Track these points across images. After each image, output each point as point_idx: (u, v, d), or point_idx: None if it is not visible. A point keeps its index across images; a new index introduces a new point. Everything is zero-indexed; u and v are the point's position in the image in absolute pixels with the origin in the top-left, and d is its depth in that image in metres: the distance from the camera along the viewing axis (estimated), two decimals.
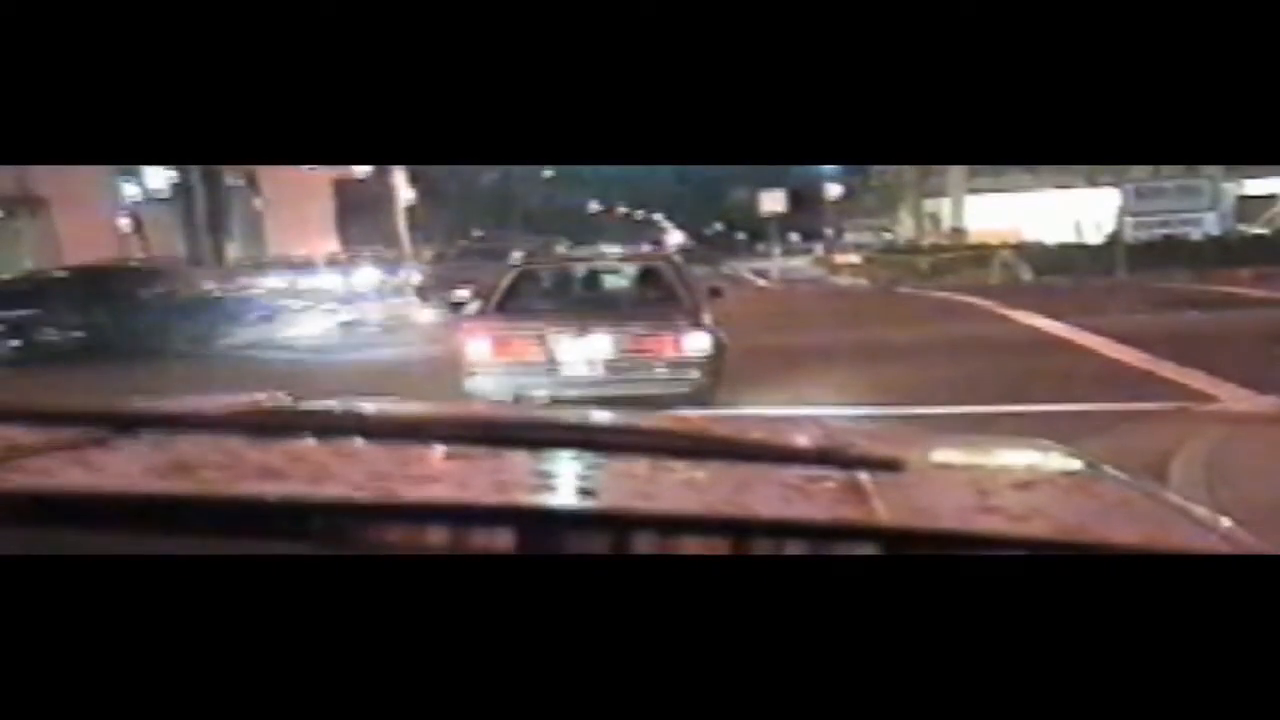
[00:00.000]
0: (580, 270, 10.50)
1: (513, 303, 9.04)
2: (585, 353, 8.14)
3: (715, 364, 8.36)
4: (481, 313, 9.07)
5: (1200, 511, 1.32)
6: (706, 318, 8.70)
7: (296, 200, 36.54)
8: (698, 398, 8.00)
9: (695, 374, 8.13)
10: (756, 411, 7.34)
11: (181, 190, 30.29)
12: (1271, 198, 29.23)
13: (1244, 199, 29.98)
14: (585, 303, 9.25)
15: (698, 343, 8.21)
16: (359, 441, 1.33)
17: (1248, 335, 11.45)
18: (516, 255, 14.04)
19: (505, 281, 9.38)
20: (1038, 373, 9.82)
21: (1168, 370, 9.43)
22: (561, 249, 20.13)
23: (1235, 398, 8.06)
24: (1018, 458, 1.54)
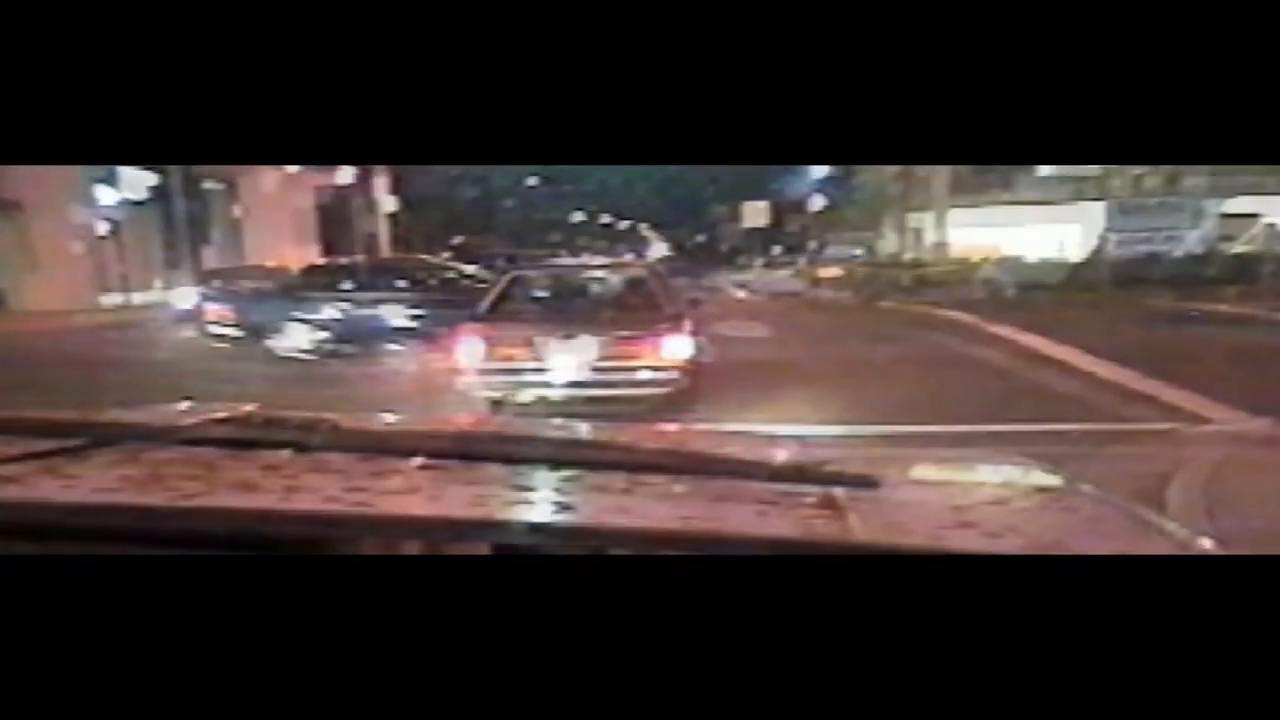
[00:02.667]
0: (567, 277, 11.04)
1: (503, 307, 9.52)
2: (571, 355, 8.52)
3: (696, 368, 8.79)
4: (473, 317, 9.41)
5: (1177, 529, 1.32)
6: (687, 324, 9.11)
7: (277, 207, 36.36)
8: (678, 399, 8.45)
9: (676, 376, 8.53)
10: (733, 427, 7.21)
11: (160, 195, 30.00)
12: (1253, 216, 29.34)
13: (1226, 217, 30.09)
14: (572, 308, 9.66)
15: (678, 347, 8.65)
16: (334, 454, 1.32)
17: (1239, 354, 11.37)
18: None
19: (496, 287, 9.92)
20: (1024, 391, 9.71)
21: (1157, 389, 9.30)
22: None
23: (1228, 419, 7.92)
24: (993, 474, 1.55)
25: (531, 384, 8.57)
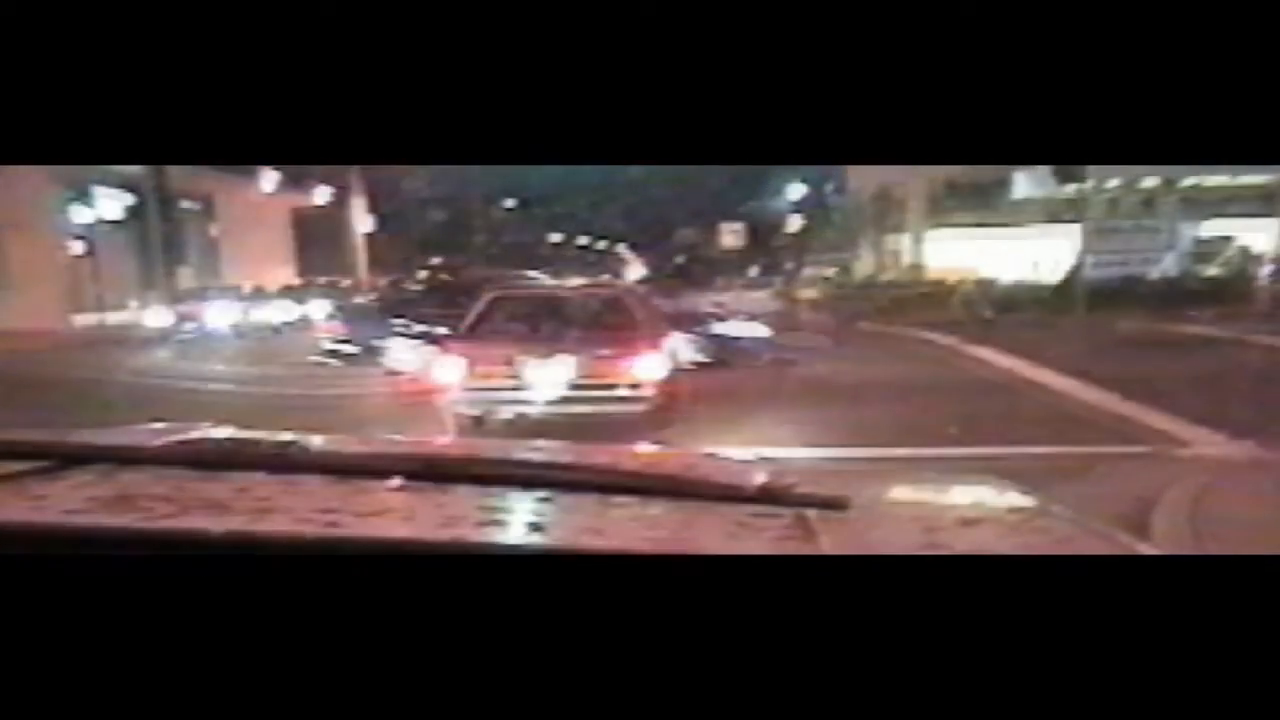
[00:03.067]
0: (547, 298, 11.20)
1: (484, 326, 9.72)
2: (550, 373, 8.72)
3: (672, 386, 9.02)
4: (455, 336, 9.65)
5: (1150, 551, 1.30)
6: (663, 344, 9.42)
7: (254, 227, 36.22)
8: (654, 416, 8.64)
9: (652, 394, 8.72)
10: (707, 449, 7.17)
11: (136, 215, 29.82)
12: (1227, 239, 29.61)
13: (1200, 240, 30.35)
14: (551, 328, 9.77)
15: (654, 366, 8.88)
16: (306, 475, 1.32)
17: (1221, 377, 11.41)
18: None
19: (478, 307, 10.14)
20: (1007, 415, 9.68)
21: (1137, 412, 9.31)
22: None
23: (1208, 442, 7.91)
24: (966, 495, 1.55)
25: (511, 401, 8.77)
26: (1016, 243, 33.31)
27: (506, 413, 8.80)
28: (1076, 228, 25.02)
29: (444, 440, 6.52)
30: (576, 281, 14.31)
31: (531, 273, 19.00)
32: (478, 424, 8.90)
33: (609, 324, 9.84)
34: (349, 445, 1.68)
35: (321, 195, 38.54)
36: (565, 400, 8.66)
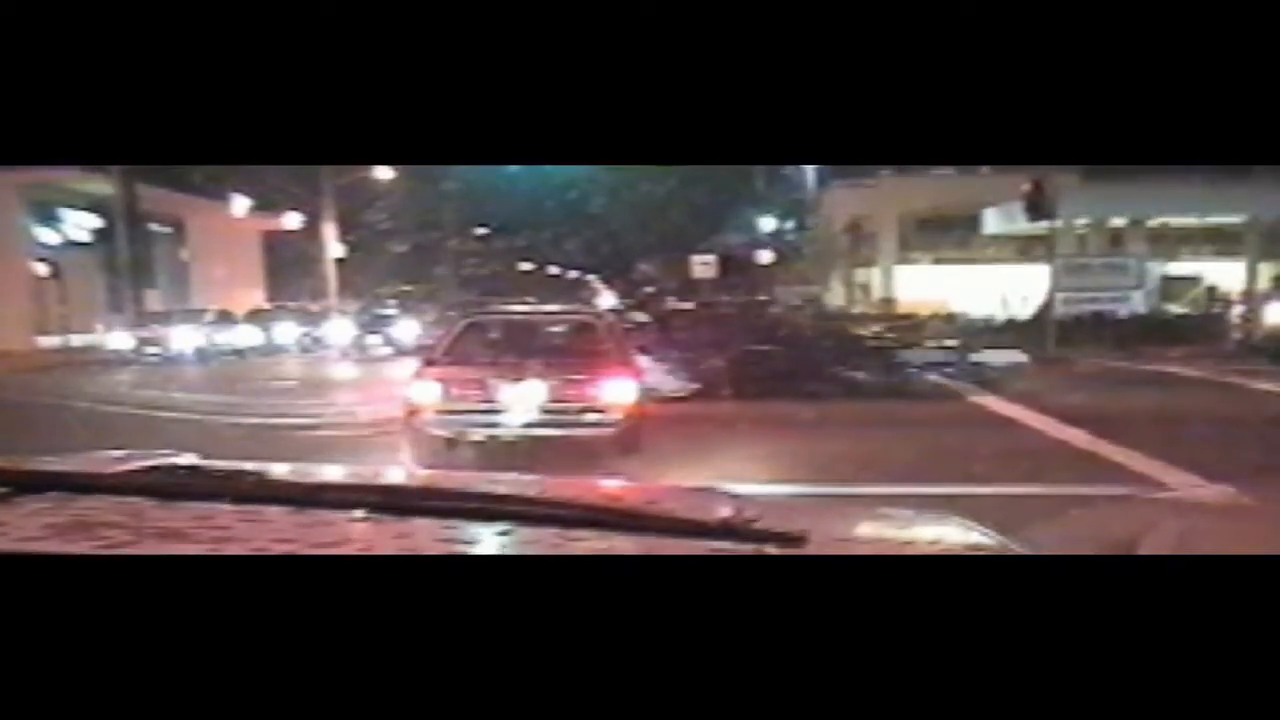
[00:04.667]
0: (520, 323, 11.56)
1: (458, 350, 9.94)
2: (522, 396, 8.96)
3: (640, 410, 9.31)
4: (429, 360, 9.84)
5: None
6: (632, 369, 9.74)
7: (224, 251, 36.00)
8: (622, 439, 8.98)
9: (620, 418, 9.00)
10: (668, 482, 7.14)
11: (104, 237, 29.56)
12: (1195, 279, 30.01)
13: (1168, 279, 30.72)
14: (524, 352, 9.97)
15: (623, 390, 9.15)
16: (264, 505, 1.32)
17: (1195, 418, 11.47)
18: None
19: (452, 331, 10.46)
20: (980, 454, 9.65)
21: (1114, 453, 9.31)
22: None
23: (1185, 484, 7.88)
24: (925, 533, 1.55)
25: (483, 424, 9.07)
26: (986, 278, 33.62)
27: (479, 435, 9.10)
28: (1045, 265, 25.27)
29: (405, 470, 6.44)
30: (549, 307, 14.76)
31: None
32: (450, 445, 9.14)
33: (580, 349, 10.10)
34: (308, 474, 1.68)
35: (292, 220, 38.32)
36: (535, 424, 8.95)
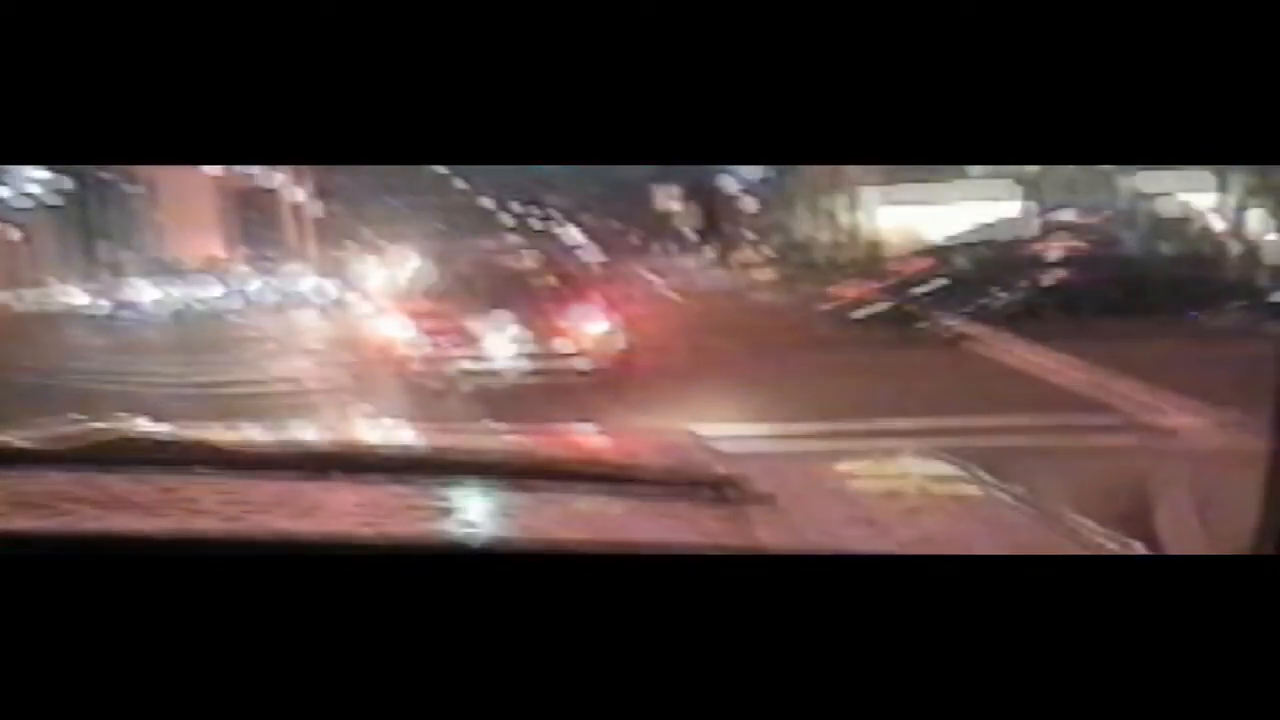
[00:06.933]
0: (491, 261, 11.73)
1: (436, 290, 10.11)
2: (496, 333, 9.16)
3: (614, 343, 9.61)
4: (398, 300, 10.16)
5: (1095, 531, 1.29)
6: (605, 305, 9.99)
7: (199, 209, 35.89)
8: (600, 374, 9.14)
9: (595, 351, 9.27)
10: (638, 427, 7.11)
11: (76, 200, 29.40)
12: (1187, 218, 29.82)
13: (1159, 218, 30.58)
14: (496, 289, 10.06)
15: (594, 324, 9.45)
16: (219, 471, 1.29)
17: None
18: None
19: (423, 270, 10.89)
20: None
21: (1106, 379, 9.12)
22: None
23: (1181, 408, 7.65)
24: (911, 478, 1.55)
25: (458, 361, 9.22)
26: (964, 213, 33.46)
27: (453, 372, 9.19)
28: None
29: (373, 430, 6.51)
30: (517, 241, 15.26)
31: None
32: (426, 382, 9.21)
33: (555, 288, 10.30)
34: (262, 438, 1.67)
35: (269, 178, 38.16)
36: (511, 358, 9.15)
